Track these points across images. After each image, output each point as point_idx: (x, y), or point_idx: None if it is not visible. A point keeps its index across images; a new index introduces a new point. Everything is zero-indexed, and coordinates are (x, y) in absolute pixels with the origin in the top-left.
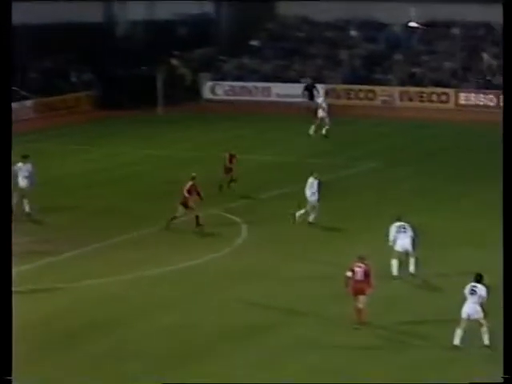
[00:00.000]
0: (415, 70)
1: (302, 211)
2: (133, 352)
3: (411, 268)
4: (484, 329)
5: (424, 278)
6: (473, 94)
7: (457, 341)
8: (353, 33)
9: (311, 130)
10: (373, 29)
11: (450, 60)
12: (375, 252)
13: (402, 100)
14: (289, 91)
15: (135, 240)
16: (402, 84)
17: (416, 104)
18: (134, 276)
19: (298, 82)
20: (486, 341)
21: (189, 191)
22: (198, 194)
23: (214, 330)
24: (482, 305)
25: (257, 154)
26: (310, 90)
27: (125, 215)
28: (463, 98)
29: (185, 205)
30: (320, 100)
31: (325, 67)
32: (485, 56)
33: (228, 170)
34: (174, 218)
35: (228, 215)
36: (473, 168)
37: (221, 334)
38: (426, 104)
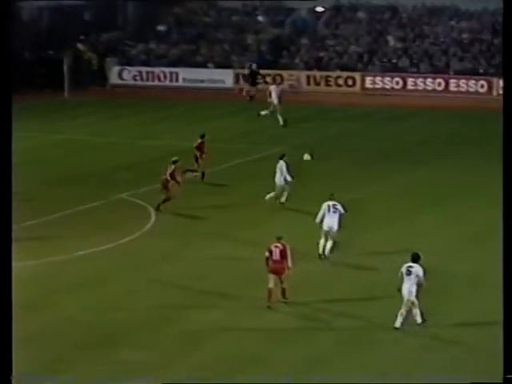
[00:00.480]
0: (321, 54)
1: (272, 194)
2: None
3: (327, 249)
4: (416, 308)
5: (352, 258)
6: (379, 78)
7: (398, 323)
8: (260, 18)
9: (263, 112)
10: (279, 14)
11: (355, 44)
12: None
13: (308, 84)
14: (196, 76)
15: (46, 225)
16: (309, 68)
17: (322, 88)
18: (40, 262)
19: (205, 66)
20: (419, 319)
21: (171, 175)
22: (176, 178)
23: (131, 314)
24: (418, 284)
25: (162, 139)
26: (252, 76)
27: (33, 201)
28: (369, 81)
29: (165, 188)
30: (272, 87)
31: (232, 52)
32: (390, 39)
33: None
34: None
35: (136, 200)
36: (378, 152)
37: (136, 318)
38: (333, 88)
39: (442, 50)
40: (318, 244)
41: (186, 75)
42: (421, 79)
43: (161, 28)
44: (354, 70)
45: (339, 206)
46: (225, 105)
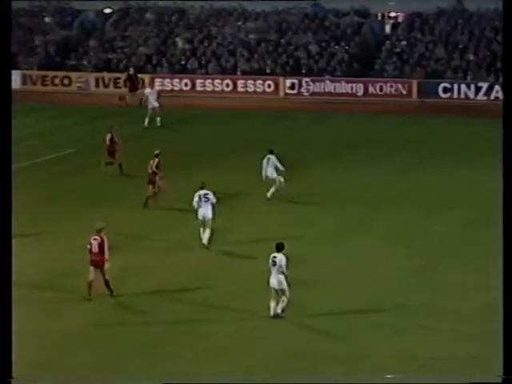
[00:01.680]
0: (110, 55)
1: (272, 189)
2: None
3: (205, 239)
4: (283, 298)
5: (229, 247)
6: (168, 79)
7: (271, 312)
8: (47, 19)
9: (146, 122)
10: (67, 15)
11: (144, 45)
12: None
13: (97, 86)
14: None
15: None
16: (98, 70)
17: (111, 90)
18: None
19: None
20: (279, 310)
21: (157, 168)
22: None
23: None
24: (283, 274)
25: None
26: (131, 80)
27: None
28: (158, 83)
29: (152, 183)
30: (147, 91)
31: (20, 53)
32: (178, 41)
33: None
34: (148, 198)
35: None
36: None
37: None
38: (123, 89)
39: (229, 51)
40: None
41: None
42: (209, 80)
43: None
44: (143, 71)
45: (211, 195)
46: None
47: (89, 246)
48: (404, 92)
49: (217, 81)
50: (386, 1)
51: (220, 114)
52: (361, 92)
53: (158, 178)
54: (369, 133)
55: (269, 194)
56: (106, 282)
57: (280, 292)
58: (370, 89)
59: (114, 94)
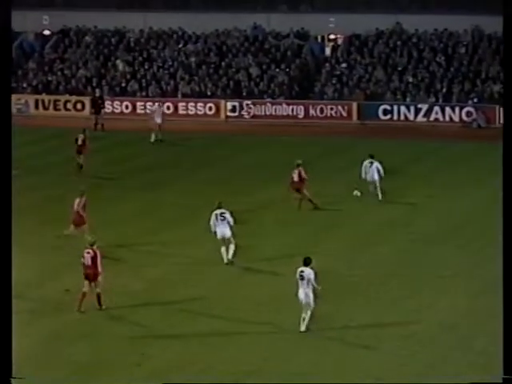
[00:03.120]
0: (50, 78)
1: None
2: None
3: (230, 254)
4: (308, 313)
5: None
6: (108, 102)
7: (302, 327)
8: None
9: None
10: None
11: (84, 68)
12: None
13: (37, 108)
14: None
15: None
16: (37, 92)
17: (51, 112)
18: None
19: None
20: (303, 327)
21: (83, 208)
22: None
23: None
24: (312, 288)
25: None
26: (96, 103)
27: None
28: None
29: (76, 224)
30: (153, 108)
31: None
32: (118, 63)
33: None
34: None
35: None
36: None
37: None
38: (62, 112)
39: (170, 74)
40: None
41: None
42: (150, 103)
43: None
44: (82, 94)
45: (227, 214)
46: None
47: (82, 260)
48: (344, 114)
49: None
50: (326, 23)
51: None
52: (301, 114)
53: (85, 217)
54: (310, 155)
55: (379, 197)
56: (98, 295)
57: (307, 306)
58: (311, 111)
59: (54, 116)
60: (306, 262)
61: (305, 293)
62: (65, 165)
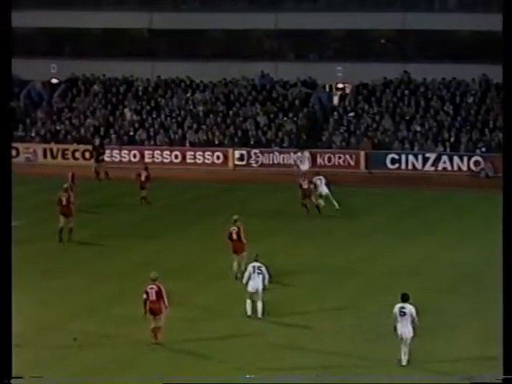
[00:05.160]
0: (58, 127)
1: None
2: None
3: (259, 312)
4: (407, 348)
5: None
6: (116, 151)
7: (404, 361)
8: None
9: None
10: (14, 85)
11: (92, 117)
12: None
13: (45, 157)
14: None
15: None
16: (45, 141)
17: (60, 161)
18: None
19: None
20: (404, 362)
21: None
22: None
23: None
24: (413, 324)
25: None
26: (97, 151)
27: None
28: (107, 154)
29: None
30: None
31: None
32: (126, 112)
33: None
34: None
35: None
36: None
37: None
38: (70, 161)
39: (177, 123)
40: (245, 307)
41: None
42: (158, 152)
43: None
44: (90, 143)
45: (263, 268)
46: None
47: (145, 296)
48: (352, 163)
49: (165, 152)
50: (333, 72)
51: (169, 186)
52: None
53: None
54: None
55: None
56: (157, 329)
57: (406, 340)
58: (319, 160)
59: (62, 165)
60: (405, 298)
61: (405, 327)
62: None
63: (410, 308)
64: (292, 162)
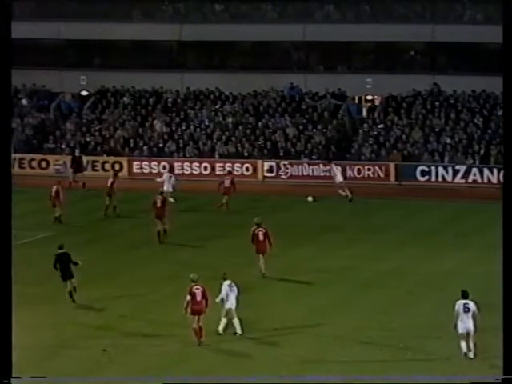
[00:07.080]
0: (88, 138)
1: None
2: None
3: (238, 329)
4: (472, 343)
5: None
6: (145, 162)
7: (471, 354)
8: (23, 101)
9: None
10: (43, 98)
11: (121, 128)
12: None
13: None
14: None
15: None
16: (75, 153)
17: (90, 173)
18: None
19: None
20: (472, 355)
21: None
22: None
23: None
24: (475, 319)
25: None
26: (77, 162)
27: None
28: (136, 166)
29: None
30: (165, 175)
31: None
32: (156, 124)
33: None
34: None
35: None
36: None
37: None
38: (101, 173)
39: (207, 134)
40: (218, 324)
41: None
42: (187, 163)
43: None
44: (120, 154)
45: (234, 285)
46: None
47: (188, 297)
48: (382, 175)
49: (195, 164)
50: (363, 83)
51: (198, 198)
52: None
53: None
54: (347, 216)
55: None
56: (201, 329)
57: (468, 335)
58: (348, 172)
59: (92, 176)
60: (465, 296)
61: (469, 323)
62: (98, 227)
63: (472, 304)
64: (322, 174)
